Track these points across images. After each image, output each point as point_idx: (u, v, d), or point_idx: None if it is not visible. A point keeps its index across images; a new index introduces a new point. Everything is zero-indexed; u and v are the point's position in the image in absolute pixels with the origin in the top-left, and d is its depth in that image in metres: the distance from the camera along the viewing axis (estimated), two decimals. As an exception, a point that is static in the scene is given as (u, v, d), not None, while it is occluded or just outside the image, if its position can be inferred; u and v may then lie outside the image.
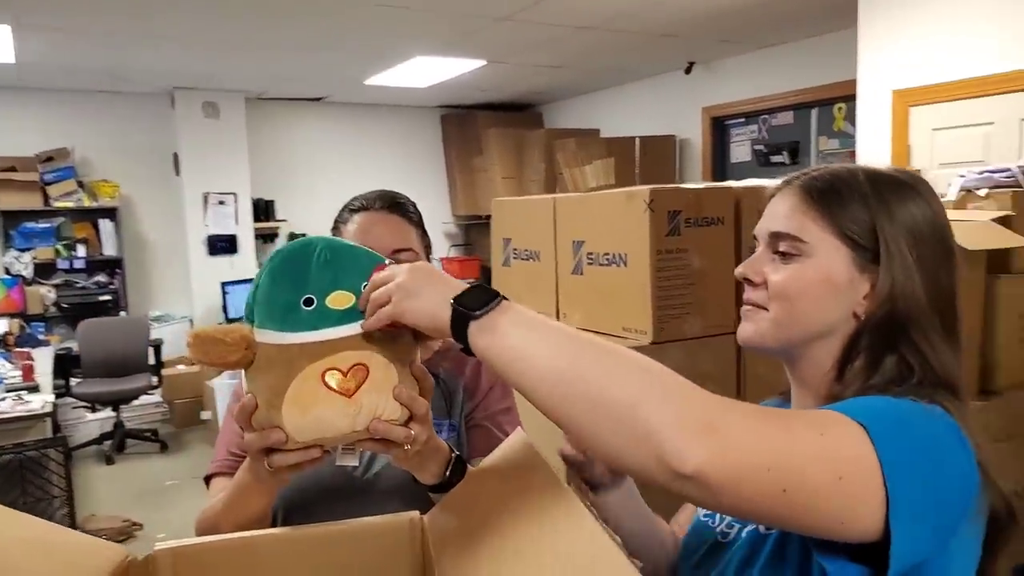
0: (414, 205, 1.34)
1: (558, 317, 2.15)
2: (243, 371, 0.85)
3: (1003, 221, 2.42)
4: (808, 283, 0.87)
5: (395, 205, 1.30)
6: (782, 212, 0.91)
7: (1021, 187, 2.51)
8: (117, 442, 5.68)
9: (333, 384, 0.81)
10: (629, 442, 0.66)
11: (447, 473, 0.98)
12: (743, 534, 0.93)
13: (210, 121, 6.56)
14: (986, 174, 2.54)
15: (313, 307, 0.83)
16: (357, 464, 0.89)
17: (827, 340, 0.89)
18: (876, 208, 0.87)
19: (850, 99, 4.70)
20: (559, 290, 2.14)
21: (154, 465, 5.50)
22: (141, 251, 6.75)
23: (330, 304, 0.83)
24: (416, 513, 0.85)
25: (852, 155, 4.63)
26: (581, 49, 5.30)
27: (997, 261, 2.46)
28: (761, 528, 0.89)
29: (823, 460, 0.68)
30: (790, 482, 0.67)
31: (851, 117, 4.91)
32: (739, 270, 0.94)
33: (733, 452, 0.66)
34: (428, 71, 5.86)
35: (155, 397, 6.22)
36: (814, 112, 5.35)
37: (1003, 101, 3.33)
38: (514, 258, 2.36)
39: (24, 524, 0.69)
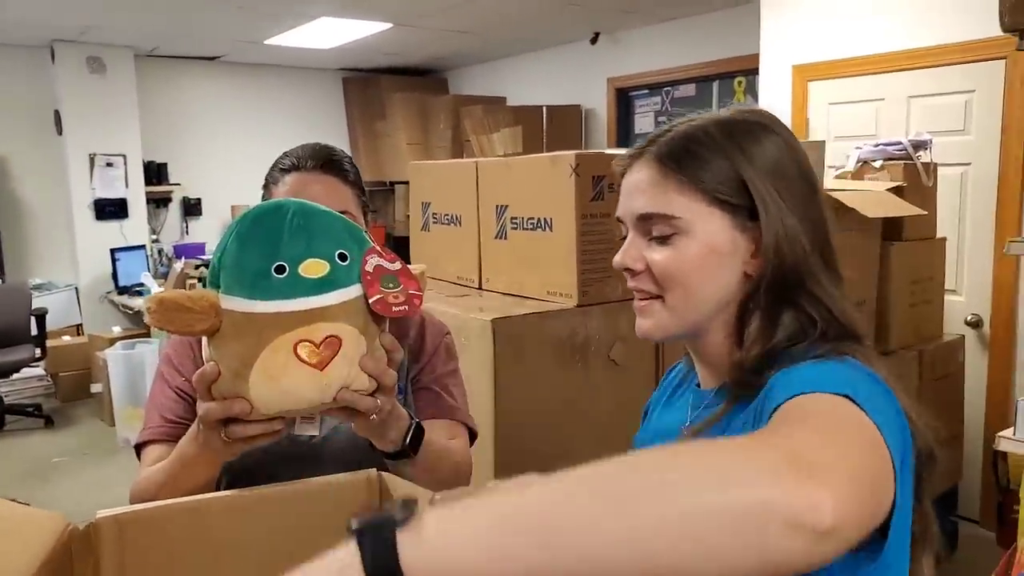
0: (351, 161, 1.27)
1: (480, 282, 2.15)
2: (205, 338, 0.81)
3: (896, 191, 2.58)
4: (693, 260, 0.82)
5: (330, 163, 1.22)
6: (643, 189, 0.85)
7: (911, 160, 2.67)
8: (-4, 418, 5.34)
9: (305, 356, 0.78)
10: (747, 536, 0.48)
11: (406, 440, 0.97)
12: None
13: (95, 77, 6.14)
14: (881, 147, 2.68)
15: (285, 275, 0.79)
16: (316, 434, 0.87)
17: (726, 308, 0.85)
18: (737, 159, 0.82)
19: (750, 73, 4.86)
20: (481, 255, 2.14)
21: (39, 441, 5.20)
22: (19, 214, 6.29)
23: (303, 272, 0.79)
24: (373, 471, 0.84)
25: (751, 128, 4.80)
26: (488, 15, 5.25)
27: (890, 229, 2.62)
28: None
29: (871, 446, 0.60)
30: (875, 483, 0.58)
31: (751, 90, 5.08)
32: (617, 259, 0.88)
33: (840, 475, 0.52)
34: (332, 32, 5.68)
35: (38, 370, 5.87)
36: (715, 85, 5.49)
37: (893, 78, 3.52)
38: (434, 223, 2.33)
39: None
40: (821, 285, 0.82)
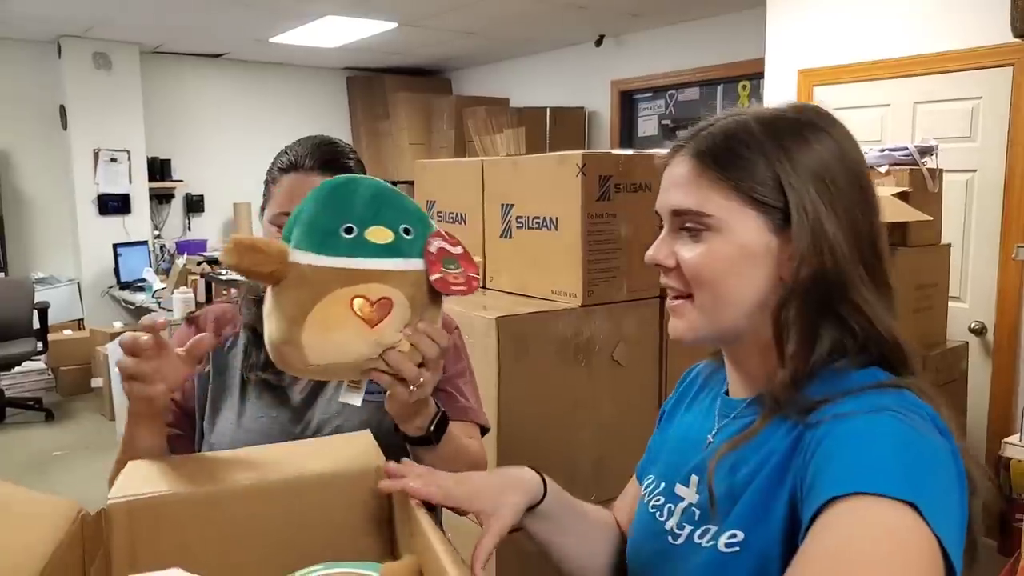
0: (353, 154, 1.25)
1: (485, 280, 2.15)
2: (269, 288, 0.84)
3: (902, 196, 2.57)
4: (724, 260, 0.79)
5: (328, 162, 1.19)
6: (680, 184, 0.82)
7: (917, 165, 2.67)
8: (-3, 411, 5.34)
9: (358, 310, 0.82)
10: None
11: (431, 427, 0.98)
12: (697, 541, 0.83)
13: (101, 73, 6.15)
14: (886, 152, 2.68)
15: (353, 236, 0.84)
16: (359, 404, 0.88)
17: (761, 313, 0.81)
18: (777, 159, 0.78)
19: (754, 77, 4.87)
20: (486, 253, 2.14)
21: (39, 435, 5.20)
22: (23, 208, 6.30)
23: (368, 236, 0.84)
24: (382, 460, 0.84)
25: (756, 132, 4.80)
26: (493, 16, 5.26)
27: (895, 234, 2.62)
28: (722, 546, 0.78)
29: None
30: None
31: (755, 94, 5.08)
32: (649, 254, 0.85)
33: None
34: (337, 31, 5.69)
35: (39, 363, 5.87)
36: (719, 89, 5.50)
37: (899, 84, 3.52)
38: (438, 221, 2.33)
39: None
40: (862, 296, 0.78)
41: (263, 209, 1.24)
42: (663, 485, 0.93)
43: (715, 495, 0.79)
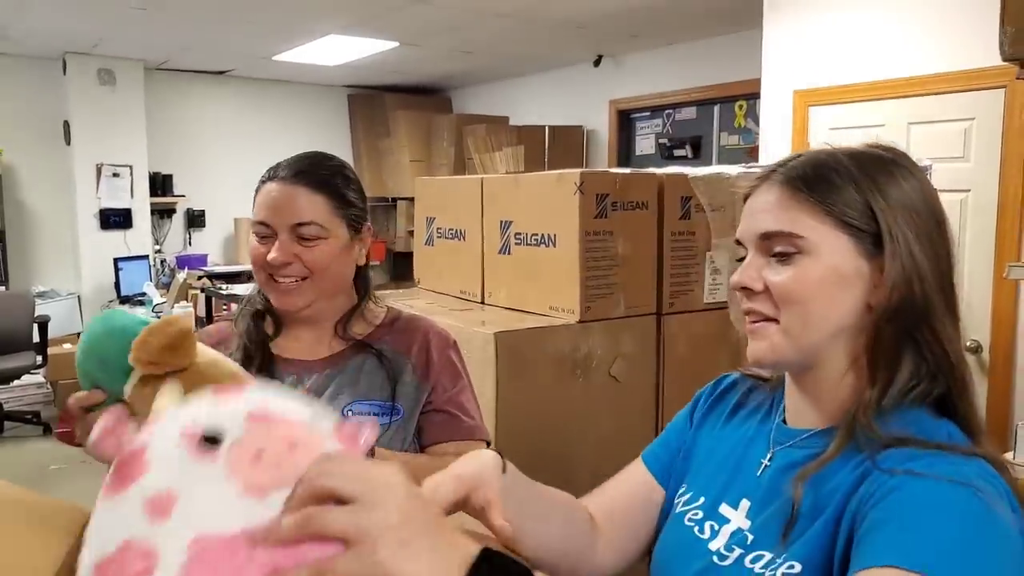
0: (341, 170, 1.28)
1: (483, 296, 2.18)
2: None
3: (895, 216, 2.61)
4: (815, 282, 0.80)
5: (302, 172, 1.23)
6: (769, 210, 0.83)
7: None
8: (-6, 425, 5.35)
9: None
10: None
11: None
12: (749, 566, 0.81)
13: (106, 89, 6.21)
14: (880, 172, 2.72)
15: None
16: None
17: (843, 339, 0.82)
18: (868, 188, 0.81)
19: (751, 97, 4.91)
20: (484, 269, 2.17)
21: (36, 449, 5.20)
22: (25, 222, 6.34)
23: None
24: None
25: (753, 151, 4.85)
26: (493, 36, 5.32)
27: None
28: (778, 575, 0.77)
29: None
30: None
31: (752, 114, 5.14)
32: (735, 279, 0.85)
33: None
34: (339, 50, 5.75)
35: (38, 377, 5.88)
36: (716, 108, 5.55)
37: (893, 105, 3.56)
38: (438, 237, 2.36)
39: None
40: (944, 324, 0.80)
41: None
42: (703, 500, 0.93)
43: (795, 517, 0.78)
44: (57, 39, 5.60)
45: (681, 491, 0.97)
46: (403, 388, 1.26)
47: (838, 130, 3.75)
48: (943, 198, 2.95)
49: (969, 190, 3.38)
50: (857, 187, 0.81)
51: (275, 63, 6.30)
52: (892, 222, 0.80)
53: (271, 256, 1.19)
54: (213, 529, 0.50)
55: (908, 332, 0.80)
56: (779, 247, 0.82)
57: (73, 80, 6.11)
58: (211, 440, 0.55)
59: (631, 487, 1.05)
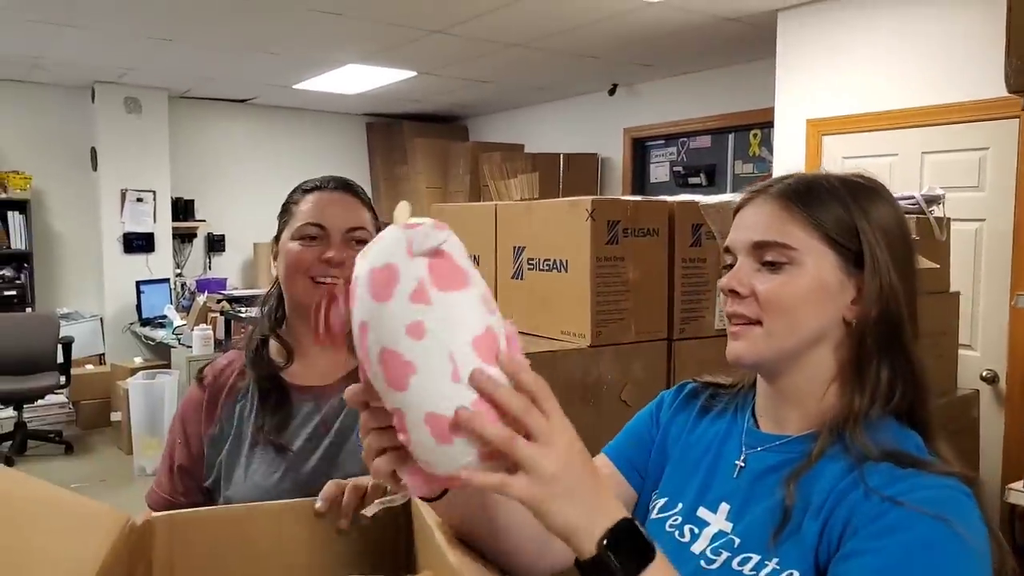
0: (363, 189, 1.37)
1: (497, 321, 2.22)
2: None
3: (905, 244, 2.63)
4: (801, 291, 0.86)
5: (347, 186, 1.33)
6: (762, 221, 0.89)
7: (924, 214, 2.72)
8: (18, 443, 5.42)
9: None
10: None
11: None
12: (737, 568, 0.85)
13: (132, 117, 6.37)
14: (891, 201, 2.74)
15: None
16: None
17: (817, 348, 0.88)
18: (854, 209, 0.87)
19: (765, 126, 4.96)
20: (497, 294, 2.21)
21: (58, 467, 5.27)
22: (52, 246, 6.49)
23: None
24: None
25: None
26: (510, 65, 5.41)
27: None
28: None
29: None
30: None
31: (766, 143, 5.18)
32: (723, 282, 0.91)
33: None
34: (359, 79, 5.86)
35: (61, 397, 5.98)
36: (731, 137, 5.60)
37: (907, 134, 3.59)
38: (454, 263, 2.41)
39: (33, 486, 0.71)
40: (911, 339, 0.87)
41: (278, 235, 1.32)
42: (681, 506, 0.96)
43: (788, 518, 0.82)
44: (87, 69, 5.76)
45: (655, 496, 1.00)
46: None
47: (851, 159, 3.78)
48: (958, 228, 2.95)
49: (984, 219, 3.40)
50: (844, 206, 0.87)
51: (295, 91, 6.43)
52: (874, 243, 0.86)
53: (330, 254, 1.23)
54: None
55: (883, 346, 0.86)
56: (770, 256, 0.88)
57: (100, 108, 6.28)
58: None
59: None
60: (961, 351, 3.05)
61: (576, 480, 0.63)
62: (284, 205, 1.33)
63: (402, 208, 0.67)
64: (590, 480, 0.65)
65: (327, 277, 1.24)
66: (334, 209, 1.27)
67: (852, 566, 0.74)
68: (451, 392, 0.60)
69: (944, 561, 0.73)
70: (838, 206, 0.87)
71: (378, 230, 1.31)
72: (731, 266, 0.92)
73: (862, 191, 0.89)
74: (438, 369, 0.60)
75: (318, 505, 0.85)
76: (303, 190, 1.31)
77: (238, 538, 0.82)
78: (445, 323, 0.60)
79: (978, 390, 3.16)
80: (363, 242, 1.23)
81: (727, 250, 0.94)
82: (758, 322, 0.88)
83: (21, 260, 6.17)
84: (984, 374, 3.42)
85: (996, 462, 3.36)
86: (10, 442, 5.42)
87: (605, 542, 0.63)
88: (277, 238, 1.32)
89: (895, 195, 2.73)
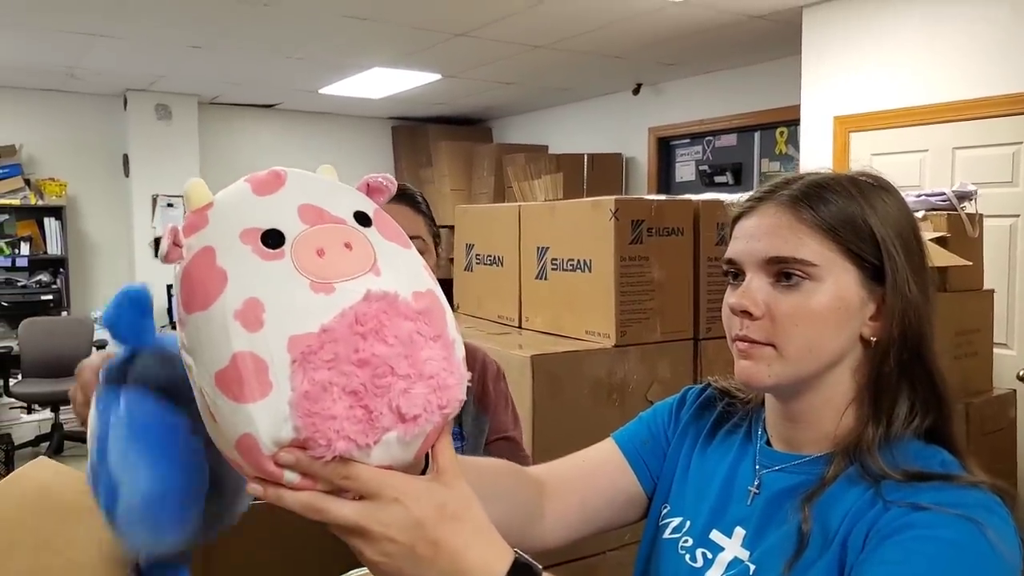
0: (421, 195, 1.35)
1: (520, 320, 2.23)
2: None
3: (940, 241, 2.59)
4: (821, 310, 0.78)
5: (404, 195, 1.28)
6: (775, 233, 0.81)
7: (955, 210, 2.68)
8: (55, 444, 5.52)
9: None
10: None
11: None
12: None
13: (162, 123, 6.48)
14: (923, 197, 2.70)
15: None
16: None
17: (835, 369, 0.81)
18: (870, 216, 0.80)
19: (791, 123, 4.92)
20: (522, 294, 2.22)
21: (92, 470, 5.36)
22: (86, 251, 6.63)
23: None
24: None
25: (793, 177, 4.84)
26: (533, 67, 5.42)
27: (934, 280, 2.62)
28: None
29: None
30: None
31: (793, 141, 5.13)
32: (733, 301, 0.82)
33: None
34: (384, 82, 5.91)
35: (95, 400, 6.08)
36: (757, 135, 5.56)
37: (937, 130, 3.54)
38: (477, 263, 2.43)
39: (71, 477, 0.73)
40: (933, 355, 0.80)
41: None
42: (690, 525, 0.91)
43: (805, 542, 0.77)
44: (119, 77, 5.87)
45: (665, 511, 0.96)
46: (465, 416, 1.29)
47: (880, 155, 3.74)
48: (991, 224, 2.91)
49: (1018, 215, 3.34)
50: (862, 215, 0.80)
51: (321, 96, 6.49)
52: (894, 253, 0.79)
53: None
54: (299, 330, 0.54)
55: (905, 365, 0.80)
56: (787, 272, 0.80)
57: (132, 115, 6.39)
58: (272, 238, 0.58)
59: (601, 456, 1.04)
60: (997, 350, 3.00)
61: (422, 561, 0.60)
62: None
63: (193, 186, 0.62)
64: (444, 559, 0.61)
65: None
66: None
67: (876, 567, 0.70)
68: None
69: (972, 563, 0.68)
70: (854, 213, 0.79)
71: (435, 238, 1.32)
72: (733, 275, 0.85)
73: (868, 187, 0.82)
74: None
75: None
76: None
77: (269, 530, 0.83)
78: (195, 352, 0.56)
79: (1015, 389, 3.10)
80: (420, 253, 1.23)
81: (730, 262, 0.85)
82: (771, 344, 0.80)
83: (57, 265, 6.31)
84: (1021, 373, 3.36)
85: (1033, 463, 3.29)
86: (47, 443, 5.52)
87: None
88: None
89: (926, 192, 2.67)
